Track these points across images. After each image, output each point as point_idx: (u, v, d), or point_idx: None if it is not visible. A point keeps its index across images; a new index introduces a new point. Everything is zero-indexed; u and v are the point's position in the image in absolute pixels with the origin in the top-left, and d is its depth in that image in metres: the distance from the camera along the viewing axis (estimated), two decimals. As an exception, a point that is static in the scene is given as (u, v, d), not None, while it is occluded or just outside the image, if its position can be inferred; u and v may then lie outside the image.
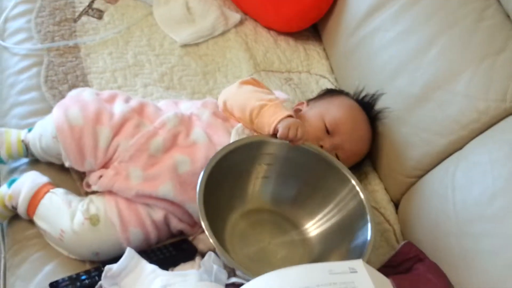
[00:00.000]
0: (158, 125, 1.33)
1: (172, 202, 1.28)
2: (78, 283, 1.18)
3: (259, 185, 1.37)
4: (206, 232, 1.15)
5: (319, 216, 1.35)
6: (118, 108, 1.34)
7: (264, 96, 1.38)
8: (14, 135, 1.38)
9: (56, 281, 1.19)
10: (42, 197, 1.28)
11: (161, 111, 1.40)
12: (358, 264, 1.06)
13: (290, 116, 1.32)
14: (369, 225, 1.25)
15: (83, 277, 1.19)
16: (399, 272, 1.26)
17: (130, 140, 1.29)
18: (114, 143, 1.29)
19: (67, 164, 1.32)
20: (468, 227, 1.22)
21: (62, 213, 1.26)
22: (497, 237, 1.16)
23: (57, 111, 1.33)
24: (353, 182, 1.31)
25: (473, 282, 1.18)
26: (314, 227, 1.35)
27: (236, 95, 1.41)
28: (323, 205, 1.35)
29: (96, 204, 1.27)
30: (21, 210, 1.29)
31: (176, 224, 1.30)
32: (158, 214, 1.28)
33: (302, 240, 1.34)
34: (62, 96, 1.53)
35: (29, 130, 1.39)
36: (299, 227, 1.36)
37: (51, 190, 1.30)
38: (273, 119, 1.31)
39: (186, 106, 1.44)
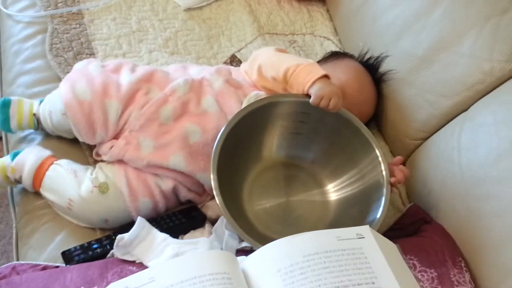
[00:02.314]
0: (168, 92, 1.32)
1: (182, 173, 1.29)
2: (90, 252, 1.20)
3: (290, 140, 1.37)
4: (214, 191, 1.16)
5: (343, 178, 1.35)
6: (125, 79, 1.34)
7: (301, 58, 1.41)
8: (27, 107, 1.38)
9: (68, 250, 1.22)
10: (47, 169, 1.30)
11: (170, 75, 1.39)
12: (365, 230, 1.07)
13: (326, 76, 1.29)
14: (383, 199, 1.25)
15: (95, 246, 1.21)
16: (406, 234, 1.27)
17: (141, 110, 1.30)
18: (126, 114, 1.30)
19: (79, 139, 1.33)
20: (474, 188, 1.23)
21: (68, 183, 1.28)
22: (502, 199, 1.16)
23: (64, 87, 1.32)
24: (377, 152, 1.30)
25: (478, 243, 1.19)
26: (336, 189, 1.36)
27: (272, 56, 1.39)
28: (346, 168, 1.35)
29: (105, 173, 1.28)
30: (26, 183, 1.31)
31: (185, 194, 1.32)
32: (167, 185, 1.29)
33: (322, 202, 1.35)
34: (67, 63, 1.54)
35: (41, 101, 1.39)
36: (322, 186, 1.37)
37: (55, 162, 1.31)
38: (308, 79, 1.28)
39: (196, 71, 1.43)
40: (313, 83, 1.28)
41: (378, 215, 1.22)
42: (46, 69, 1.56)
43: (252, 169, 1.35)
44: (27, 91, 1.52)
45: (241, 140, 1.27)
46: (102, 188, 1.26)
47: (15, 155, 1.33)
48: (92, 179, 1.27)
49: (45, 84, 1.51)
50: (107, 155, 1.29)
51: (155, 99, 1.31)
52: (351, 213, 1.31)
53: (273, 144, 1.37)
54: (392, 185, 1.27)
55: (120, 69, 1.38)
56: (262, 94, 1.37)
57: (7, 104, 1.37)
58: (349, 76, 1.46)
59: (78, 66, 1.41)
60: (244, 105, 1.33)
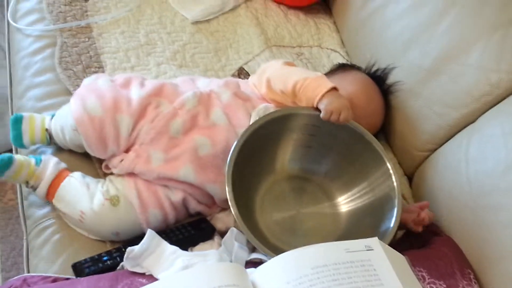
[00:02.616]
0: (177, 105, 1.33)
1: (192, 184, 1.29)
2: (100, 264, 1.20)
3: (301, 153, 1.37)
4: (230, 203, 1.17)
5: (353, 191, 1.35)
6: (135, 93, 1.34)
7: (309, 71, 1.41)
8: (38, 122, 1.37)
9: (79, 262, 1.22)
10: (62, 180, 1.30)
11: (179, 88, 1.39)
12: (374, 242, 1.07)
13: (334, 88, 1.29)
14: (395, 209, 1.25)
15: (105, 258, 1.21)
16: (415, 246, 1.27)
17: (151, 123, 1.30)
18: (137, 129, 1.30)
19: (91, 153, 1.33)
20: (482, 199, 1.23)
21: (81, 195, 1.28)
22: (510, 210, 1.17)
23: (75, 103, 1.32)
24: (388, 165, 1.30)
25: (486, 255, 1.19)
26: (346, 201, 1.36)
27: (280, 69, 1.40)
28: (357, 181, 1.35)
29: (116, 185, 1.29)
30: (41, 192, 1.30)
31: (195, 206, 1.32)
32: (177, 196, 1.29)
33: (332, 214, 1.35)
34: (77, 77, 1.55)
35: (52, 116, 1.39)
36: (332, 199, 1.37)
37: (69, 174, 1.31)
38: (316, 92, 1.28)
39: (204, 83, 1.44)
40: (322, 97, 1.28)
41: (392, 224, 1.22)
42: (56, 82, 1.56)
43: (264, 181, 1.35)
44: (37, 104, 1.52)
45: (253, 152, 1.28)
46: (113, 201, 1.26)
47: (36, 160, 1.32)
48: (103, 192, 1.27)
49: (55, 98, 1.51)
50: (117, 168, 1.29)
51: (165, 112, 1.31)
52: (362, 225, 1.31)
53: (286, 157, 1.38)
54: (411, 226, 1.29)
55: (129, 84, 1.38)
56: (271, 106, 1.37)
57: (19, 120, 1.36)
58: (356, 88, 1.47)
59: (87, 81, 1.41)
60: (252, 118, 1.33)
